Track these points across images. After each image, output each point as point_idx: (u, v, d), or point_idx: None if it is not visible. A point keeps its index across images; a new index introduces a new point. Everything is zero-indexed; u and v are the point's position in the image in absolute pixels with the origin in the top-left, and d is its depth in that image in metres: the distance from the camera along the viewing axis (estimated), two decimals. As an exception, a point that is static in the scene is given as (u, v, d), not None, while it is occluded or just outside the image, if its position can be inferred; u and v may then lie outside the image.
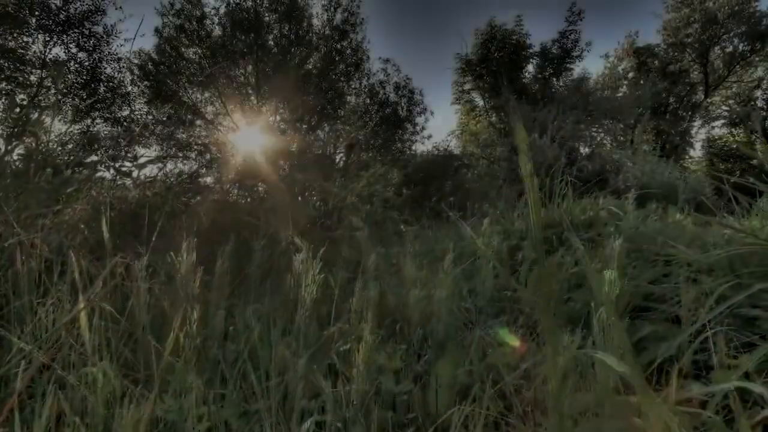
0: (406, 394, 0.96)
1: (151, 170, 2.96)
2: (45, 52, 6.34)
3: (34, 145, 2.05)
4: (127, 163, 2.13)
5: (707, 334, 0.95)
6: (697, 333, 1.02)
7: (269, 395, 0.93)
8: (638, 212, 2.53)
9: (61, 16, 6.24)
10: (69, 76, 6.69)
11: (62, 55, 6.49)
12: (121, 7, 7.02)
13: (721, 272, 1.12)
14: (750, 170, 14.05)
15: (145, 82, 9.75)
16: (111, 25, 7.15)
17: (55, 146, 2.06)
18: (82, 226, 1.64)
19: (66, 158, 1.95)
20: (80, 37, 6.67)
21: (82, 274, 1.23)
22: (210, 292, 1.19)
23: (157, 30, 10.36)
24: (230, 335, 1.12)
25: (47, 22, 6.17)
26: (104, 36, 7.06)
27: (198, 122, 11.68)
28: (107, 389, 0.76)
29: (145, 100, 9.63)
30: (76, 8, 6.46)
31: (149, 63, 9.94)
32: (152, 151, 10.01)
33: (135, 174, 2.20)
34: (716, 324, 1.05)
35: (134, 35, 7.67)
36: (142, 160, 2.07)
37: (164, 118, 10.80)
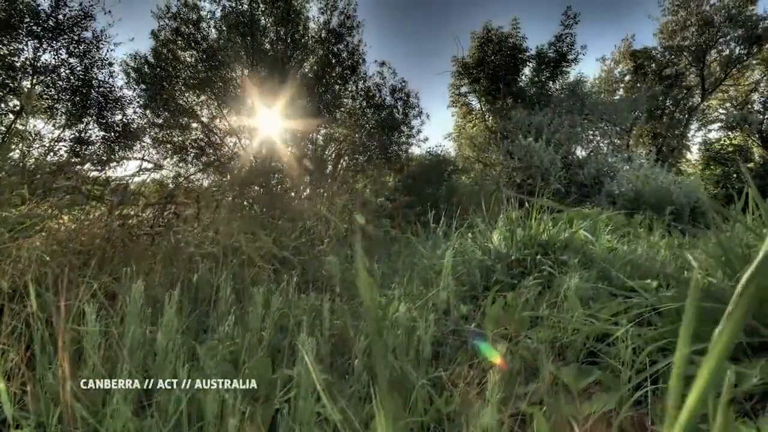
0: (343, 449, 0.96)
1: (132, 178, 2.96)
2: (35, 58, 6.35)
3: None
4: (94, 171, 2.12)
5: (646, 389, 0.95)
6: (640, 384, 1.02)
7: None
8: (613, 235, 2.52)
9: (50, 22, 6.24)
10: (60, 82, 6.68)
11: (52, 61, 6.49)
12: (110, 11, 7.01)
13: (668, 319, 1.12)
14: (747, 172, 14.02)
15: (142, 86, 9.75)
16: (101, 30, 7.16)
17: (26, 170, 2.05)
18: (48, 258, 1.64)
19: (36, 183, 1.94)
20: (70, 42, 6.66)
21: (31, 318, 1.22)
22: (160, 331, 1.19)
23: (153, 33, 10.36)
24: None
25: (36, 29, 6.17)
26: (94, 41, 7.06)
27: (194, 125, 11.68)
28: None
29: (140, 103, 9.63)
30: (65, 14, 6.46)
31: (145, 66, 9.94)
32: (144, 155, 10.00)
33: (111, 197, 2.19)
34: (663, 372, 1.05)
35: (118, 39, 7.62)
36: (113, 184, 2.07)
37: (160, 121, 10.81)
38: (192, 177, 10.84)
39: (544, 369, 1.13)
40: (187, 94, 11.09)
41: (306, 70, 11.92)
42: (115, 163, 7.82)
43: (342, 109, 12.40)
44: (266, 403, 1.13)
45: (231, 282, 1.55)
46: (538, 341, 1.18)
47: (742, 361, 0.95)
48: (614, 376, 1.07)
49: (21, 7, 5.97)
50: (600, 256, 1.95)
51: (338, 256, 3.26)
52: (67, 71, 6.75)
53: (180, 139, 11.69)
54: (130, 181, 2.78)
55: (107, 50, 7.45)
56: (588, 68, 39.53)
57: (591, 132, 12.78)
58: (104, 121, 7.84)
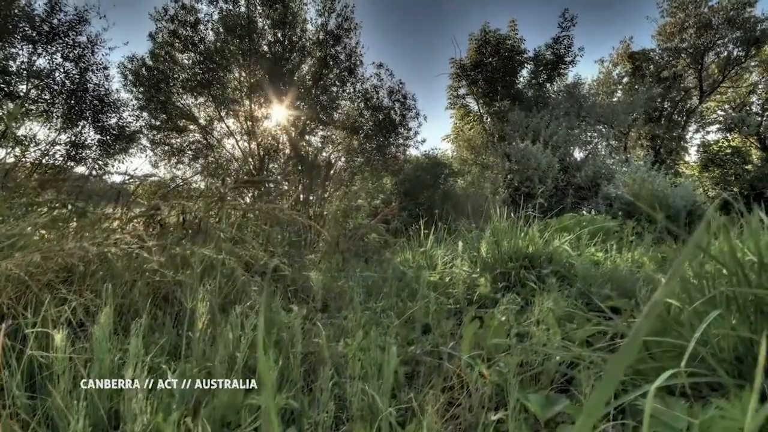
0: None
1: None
2: (30, 62, 6.36)
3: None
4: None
5: (608, 425, 0.94)
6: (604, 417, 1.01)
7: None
8: (602, 245, 2.52)
9: (45, 26, 6.25)
10: (55, 86, 6.70)
11: (47, 66, 6.52)
12: (105, 16, 7.02)
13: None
14: (745, 174, 14.02)
15: (140, 88, 9.75)
16: (96, 35, 7.16)
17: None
18: (26, 277, 1.63)
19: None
20: (65, 47, 6.68)
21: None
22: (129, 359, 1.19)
23: (150, 35, 10.36)
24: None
25: (31, 33, 6.18)
26: (89, 45, 7.06)
27: (191, 127, 11.68)
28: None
29: (137, 105, 9.63)
30: (59, 19, 6.47)
31: (143, 68, 9.94)
32: (127, 169, 10.02)
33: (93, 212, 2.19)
34: (630, 405, 1.05)
35: (113, 43, 7.63)
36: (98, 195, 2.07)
37: (157, 124, 10.81)
38: (189, 179, 10.84)
39: (511, 396, 1.12)
40: (184, 97, 11.09)
41: (304, 72, 11.92)
42: (108, 171, 7.82)
43: (339, 111, 12.39)
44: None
45: (208, 301, 1.55)
46: (508, 366, 1.18)
47: (705, 398, 0.95)
48: (581, 407, 1.07)
49: (16, 11, 5.98)
50: (582, 273, 1.95)
51: (329, 263, 3.26)
52: (62, 75, 6.77)
53: (177, 141, 11.70)
54: (123, 186, 2.78)
55: (102, 54, 7.46)
56: (586, 70, 39.58)
57: (589, 134, 12.77)
58: (100, 124, 7.84)
